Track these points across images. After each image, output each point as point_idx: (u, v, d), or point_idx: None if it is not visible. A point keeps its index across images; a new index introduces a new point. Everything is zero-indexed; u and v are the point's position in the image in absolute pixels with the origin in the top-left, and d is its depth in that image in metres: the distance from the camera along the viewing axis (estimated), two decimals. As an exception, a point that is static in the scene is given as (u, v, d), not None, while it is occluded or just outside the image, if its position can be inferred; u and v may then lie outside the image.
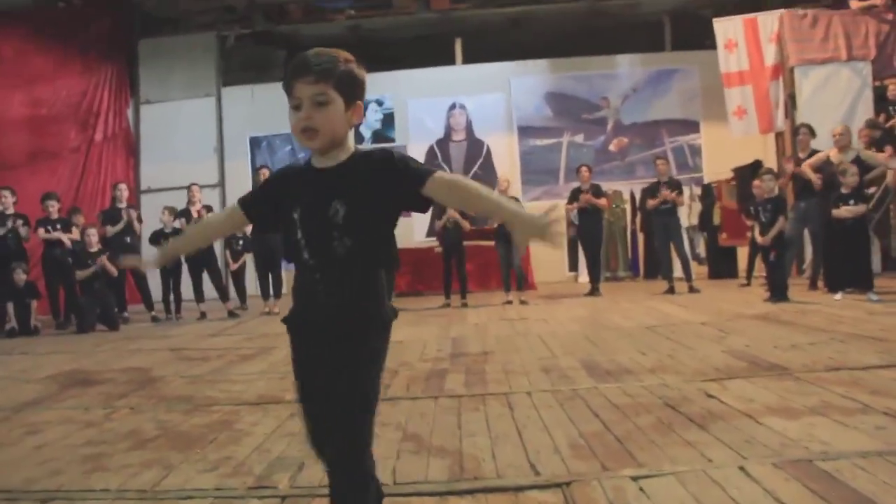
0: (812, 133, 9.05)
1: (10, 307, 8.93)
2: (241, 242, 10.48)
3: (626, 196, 12.78)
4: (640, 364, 4.72)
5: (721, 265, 11.75)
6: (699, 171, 13.10)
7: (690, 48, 13.26)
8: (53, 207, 9.50)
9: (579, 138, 13.37)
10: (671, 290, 9.47)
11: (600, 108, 13.39)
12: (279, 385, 4.79)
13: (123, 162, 13.20)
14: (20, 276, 8.95)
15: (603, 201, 10.19)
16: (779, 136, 11.83)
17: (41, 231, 9.36)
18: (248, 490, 2.76)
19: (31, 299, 9.04)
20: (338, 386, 1.83)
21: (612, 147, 13.35)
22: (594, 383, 4.22)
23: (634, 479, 2.54)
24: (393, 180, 1.84)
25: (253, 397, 4.49)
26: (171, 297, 9.89)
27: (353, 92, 1.90)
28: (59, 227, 9.44)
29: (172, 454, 3.26)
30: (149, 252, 10.00)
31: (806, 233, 9.13)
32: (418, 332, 7.17)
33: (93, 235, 9.18)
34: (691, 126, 13.20)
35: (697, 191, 12.38)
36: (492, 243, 10.15)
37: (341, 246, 1.84)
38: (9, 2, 12.82)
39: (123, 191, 9.98)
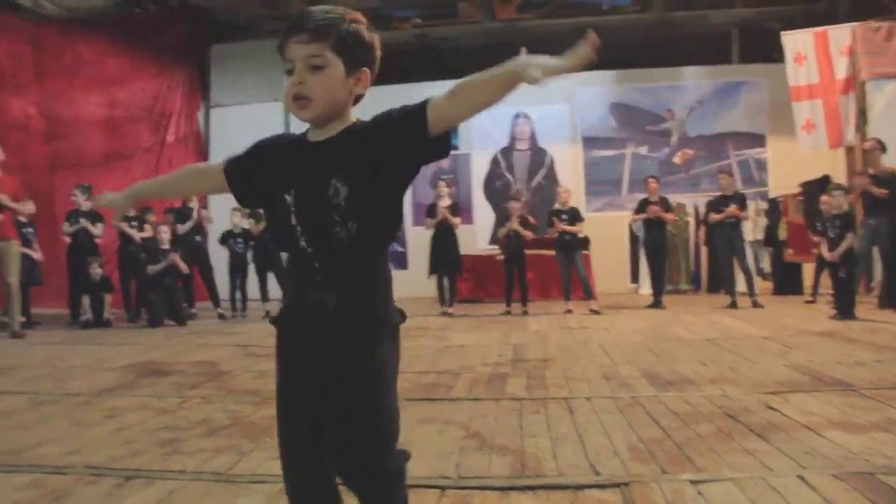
0: (883, 148, 8.87)
1: (86, 300, 9.34)
2: None
3: (690, 209, 12.67)
4: (700, 375, 4.74)
5: (786, 281, 11.58)
6: (765, 186, 12.93)
7: (758, 61, 13.11)
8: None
9: (643, 150, 13.32)
10: (734, 305, 9.38)
11: (665, 120, 13.32)
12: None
13: (193, 163, 13.59)
14: (96, 271, 9.35)
15: (671, 216, 10.16)
16: (849, 150, 11.61)
17: (123, 224, 9.75)
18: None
19: (105, 293, 9.42)
20: (354, 406, 1.58)
21: (676, 159, 13.27)
22: (654, 392, 4.26)
23: (693, 482, 2.60)
24: (393, 133, 1.58)
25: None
26: (238, 295, 10.17)
27: (357, 55, 1.63)
28: (134, 223, 9.82)
29: (244, 442, 3.41)
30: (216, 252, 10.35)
31: (875, 250, 8.96)
32: (479, 338, 7.28)
33: (164, 233, 9.52)
34: (758, 139, 13.03)
35: (763, 205, 12.21)
36: (552, 252, 10.19)
37: (344, 231, 1.56)
38: (89, 8, 13.38)
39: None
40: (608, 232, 12.28)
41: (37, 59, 12.78)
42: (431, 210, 9.92)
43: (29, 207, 8.33)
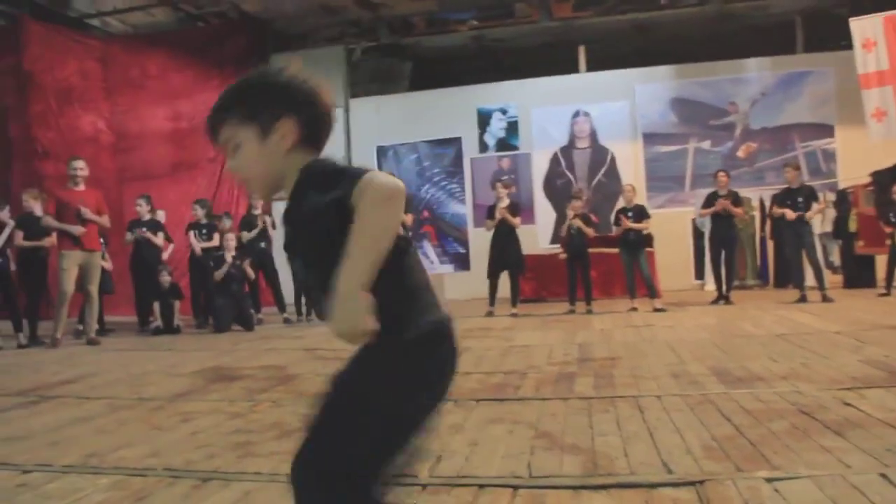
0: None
1: (157, 306, 9.62)
2: None
3: (755, 203, 12.44)
4: (771, 371, 4.66)
5: (857, 274, 11.27)
6: (833, 177, 12.61)
7: (824, 49, 12.81)
8: (199, 213, 10.17)
9: (706, 144, 13.12)
10: (803, 299, 9.18)
11: (728, 114, 13.10)
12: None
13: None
14: (165, 278, 9.62)
15: (740, 210, 10.00)
16: (923, 138, 11.26)
17: (191, 234, 10.05)
18: (393, 478, 2.93)
19: (174, 299, 9.68)
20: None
21: (740, 153, 13.04)
22: (725, 389, 4.21)
23: (769, 480, 2.57)
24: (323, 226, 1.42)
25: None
26: (303, 299, 10.34)
27: (264, 111, 1.52)
28: (204, 232, 10.09)
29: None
30: (281, 257, 10.54)
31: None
32: (544, 337, 7.28)
33: (230, 240, 9.74)
34: (825, 130, 12.71)
35: (831, 197, 11.92)
36: (616, 250, 10.11)
37: (321, 296, 1.43)
38: (153, 24, 13.82)
39: (258, 199, 10.51)
40: (671, 228, 12.15)
41: (105, 76, 13.25)
42: (490, 211, 9.95)
43: (106, 220, 8.65)
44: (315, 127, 1.57)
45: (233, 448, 3.50)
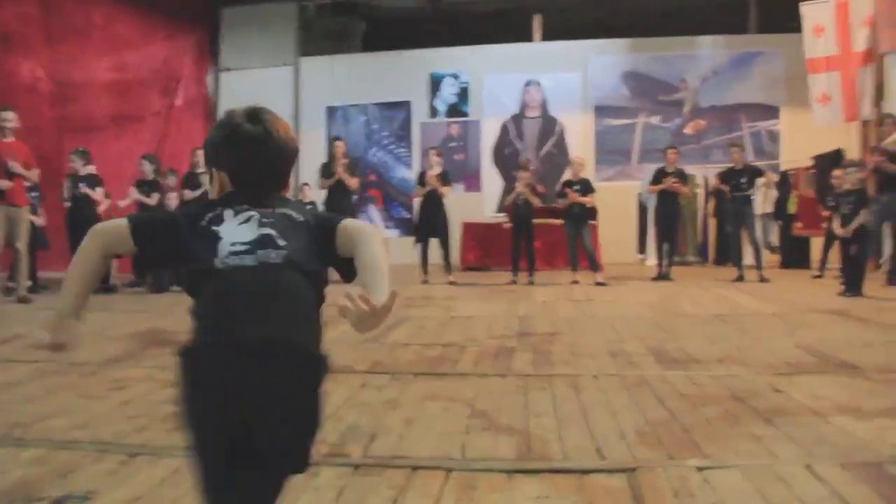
0: (896, 123, 8.78)
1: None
2: None
3: (700, 180, 12.59)
4: (708, 353, 4.72)
5: (794, 255, 11.54)
6: (776, 159, 12.83)
7: (776, 31, 12.93)
8: (146, 168, 9.89)
9: (655, 120, 13.21)
10: (741, 279, 9.35)
11: (678, 90, 13.19)
12: (350, 354, 4.93)
13: (202, 128, 13.56)
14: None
15: (686, 188, 10.08)
16: (865, 124, 11.48)
17: (133, 190, 9.77)
18: (324, 457, 2.88)
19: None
20: None
21: (688, 130, 13.16)
22: (661, 370, 4.25)
23: (700, 469, 2.58)
24: None
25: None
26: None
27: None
28: (146, 188, 9.81)
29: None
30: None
31: (886, 227, 8.89)
32: (486, 308, 7.27)
33: (172, 200, 9.50)
34: (771, 111, 12.90)
35: (775, 178, 12.11)
36: (560, 222, 10.14)
37: None
38: (100, -30, 13.26)
39: (201, 156, 10.24)
40: (617, 202, 12.23)
41: (46, 22, 12.67)
42: (421, 178, 9.90)
43: (35, 174, 8.31)
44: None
45: (163, 420, 3.39)
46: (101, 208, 9.89)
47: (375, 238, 1.60)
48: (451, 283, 9.60)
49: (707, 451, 2.78)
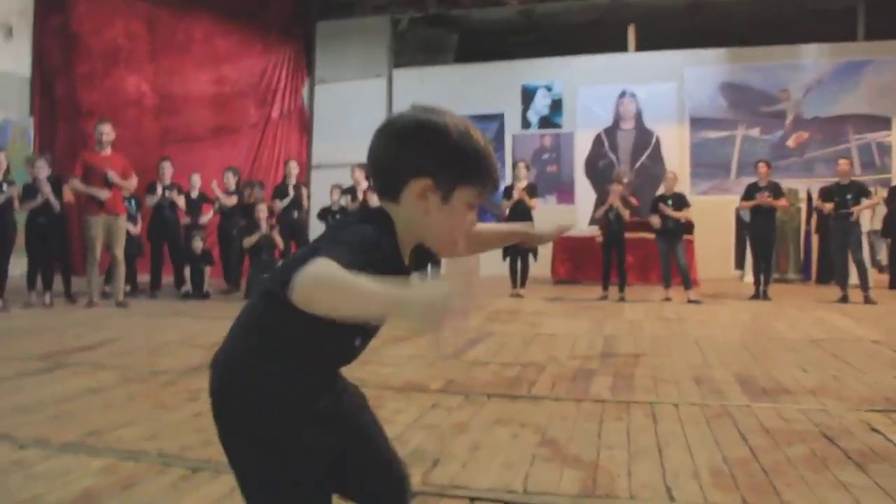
0: None
1: (187, 272, 9.66)
2: None
3: (803, 195, 12.04)
4: (800, 383, 4.46)
5: (904, 275, 10.89)
6: (887, 172, 12.15)
7: (887, 38, 12.26)
8: (230, 180, 10.18)
9: (755, 132, 12.72)
10: (844, 299, 8.87)
11: (779, 101, 12.66)
12: (426, 372, 4.90)
13: (297, 139, 13.87)
14: (198, 244, 9.64)
15: (782, 202, 9.66)
16: None
17: (221, 194, 10.09)
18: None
19: (205, 265, 9.71)
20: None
21: (790, 142, 12.62)
22: (748, 401, 4.03)
23: (776, 519, 2.42)
24: None
25: (399, 382, 4.60)
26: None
27: (401, 170, 1.41)
28: (232, 192, 10.09)
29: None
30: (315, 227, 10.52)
31: None
32: (571, 326, 7.13)
33: (262, 211, 9.71)
34: (881, 122, 12.22)
35: (883, 193, 11.46)
36: (653, 236, 9.86)
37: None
38: (199, -11, 13.77)
39: (293, 168, 10.45)
40: (714, 216, 11.84)
41: (151, 38, 13.26)
42: (507, 191, 9.82)
43: (132, 184, 8.67)
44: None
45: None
46: (204, 218, 10.20)
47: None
48: (518, 295, 9.56)
49: (786, 499, 2.59)
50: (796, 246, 12.17)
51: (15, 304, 8.29)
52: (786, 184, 11.39)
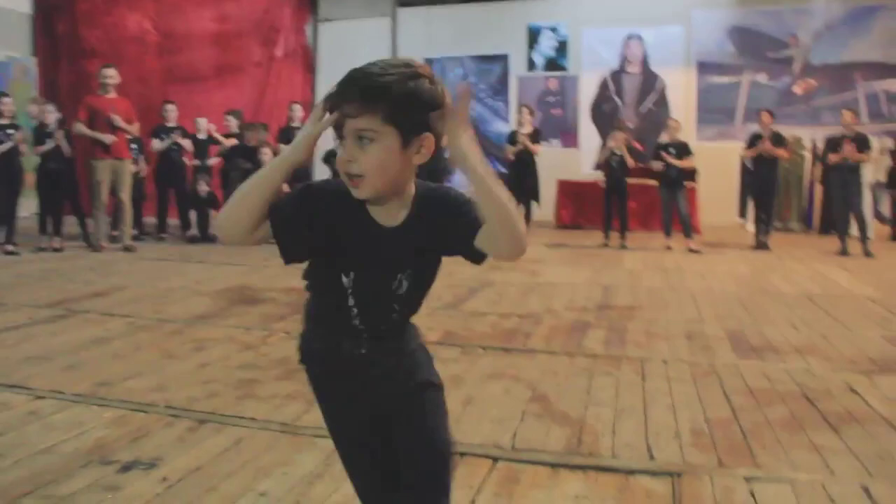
0: None
1: (193, 215, 9.75)
2: None
3: (807, 143, 11.98)
4: (788, 341, 4.56)
5: (906, 227, 10.91)
6: (895, 121, 12.06)
7: (900, -17, 12.05)
8: (232, 123, 10.19)
9: (762, 78, 12.58)
10: (844, 252, 8.92)
11: (788, 47, 12.49)
12: (424, 322, 4.82)
13: (301, 78, 13.78)
14: (203, 188, 9.69)
15: (784, 152, 9.62)
16: None
17: (220, 137, 10.17)
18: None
19: (211, 209, 9.77)
20: (421, 431, 1.58)
21: (796, 89, 12.49)
22: (735, 359, 4.15)
23: (748, 479, 2.54)
24: (451, 231, 1.45)
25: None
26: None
27: (417, 121, 1.39)
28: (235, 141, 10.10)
29: (304, 388, 3.51)
30: (321, 171, 10.54)
31: None
32: (571, 275, 7.23)
33: (265, 154, 9.71)
34: (891, 70, 12.05)
35: (889, 143, 11.40)
36: (657, 183, 9.85)
37: (398, 315, 1.56)
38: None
39: (297, 111, 10.41)
40: (718, 163, 11.78)
41: (150, -27, 13.11)
42: (511, 137, 9.81)
43: (135, 128, 8.71)
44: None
45: (236, 386, 3.57)
46: (212, 160, 10.22)
47: None
48: None
49: (760, 461, 2.71)
50: (799, 195, 12.15)
51: (25, 248, 8.41)
52: (791, 132, 11.36)
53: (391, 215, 1.47)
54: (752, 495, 2.42)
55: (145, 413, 3.21)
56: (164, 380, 3.66)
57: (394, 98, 1.35)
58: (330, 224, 1.45)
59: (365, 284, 1.50)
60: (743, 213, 12.10)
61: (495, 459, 2.74)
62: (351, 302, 1.51)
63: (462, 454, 2.76)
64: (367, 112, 1.36)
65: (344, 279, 1.50)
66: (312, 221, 1.44)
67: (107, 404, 3.31)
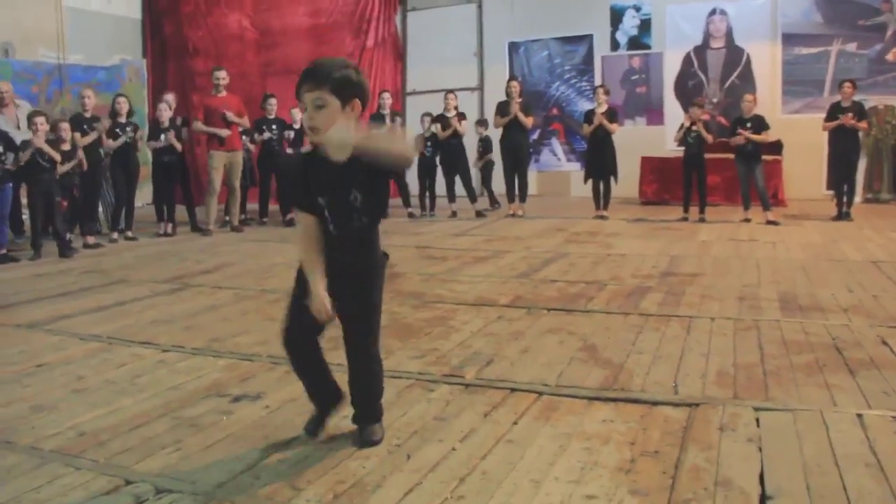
0: None
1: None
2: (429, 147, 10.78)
3: (900, 112, 11.73)
4: (837, 302, 4.77)
5: None
6: None
7: None
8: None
9: (851, 47, 12.35)
10: (928, 220, 8.84)
11: (881, 13, 12.24)
12: (498, 289, 5.47)
13: (392, 66, 14.31)
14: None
15: (863, 124, 9.55)
16: None
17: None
18: (442, 377, 3.45)
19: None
20: (355, 307, 2.62)
21: (889, 56, 12.22)
22: (780, 317, 4.42)
23: (756, 409, 2.89)
24: (380, 176, 2.48)
25: (472, 298, 5.19)
26: (427, 195, 10.90)
27: (347, 93, 2.38)
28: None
29: (394, 342, 4.03)
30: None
31: None
32: (643, 246, 7.46)
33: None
34: None
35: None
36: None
37: (358, 221, 2.50)
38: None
39: (387, 99, 10.95)
40: (805, 135, 11.66)
41: (247, -27, 13.94)
42: (588, 116, 10.06)
43: (246, 121, 9.69)
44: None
45: (326, 341, 4.09)
46: (305, 149, 10.88)
47: None
48: (603, 217, 9.97)
49: (772, 395, 3.06)
50: (891, 165, 11.93)
51: (142, 233, 9.34)
52: (883, 100, 11.21)
53: (341, 155, 2.42)
54: (756, 421, 2.78)
55: (251, 361, 3.81)
56: (267, 336, 4.22)
57: (334, 78, 2.36)
58: (312, 175, 2.50)
59: (333, 200, 2.48)
60: (831, 186, 11.96)
61: (540, 394, 3.18)
62: (326, 214, 2.49)
63: (511, 390, 3.23)
64: (319, 88, 2.36)
65: (320, 199, 2.49)
66: (305, 181, 2.52)
67: (220, 355, 3.93)
